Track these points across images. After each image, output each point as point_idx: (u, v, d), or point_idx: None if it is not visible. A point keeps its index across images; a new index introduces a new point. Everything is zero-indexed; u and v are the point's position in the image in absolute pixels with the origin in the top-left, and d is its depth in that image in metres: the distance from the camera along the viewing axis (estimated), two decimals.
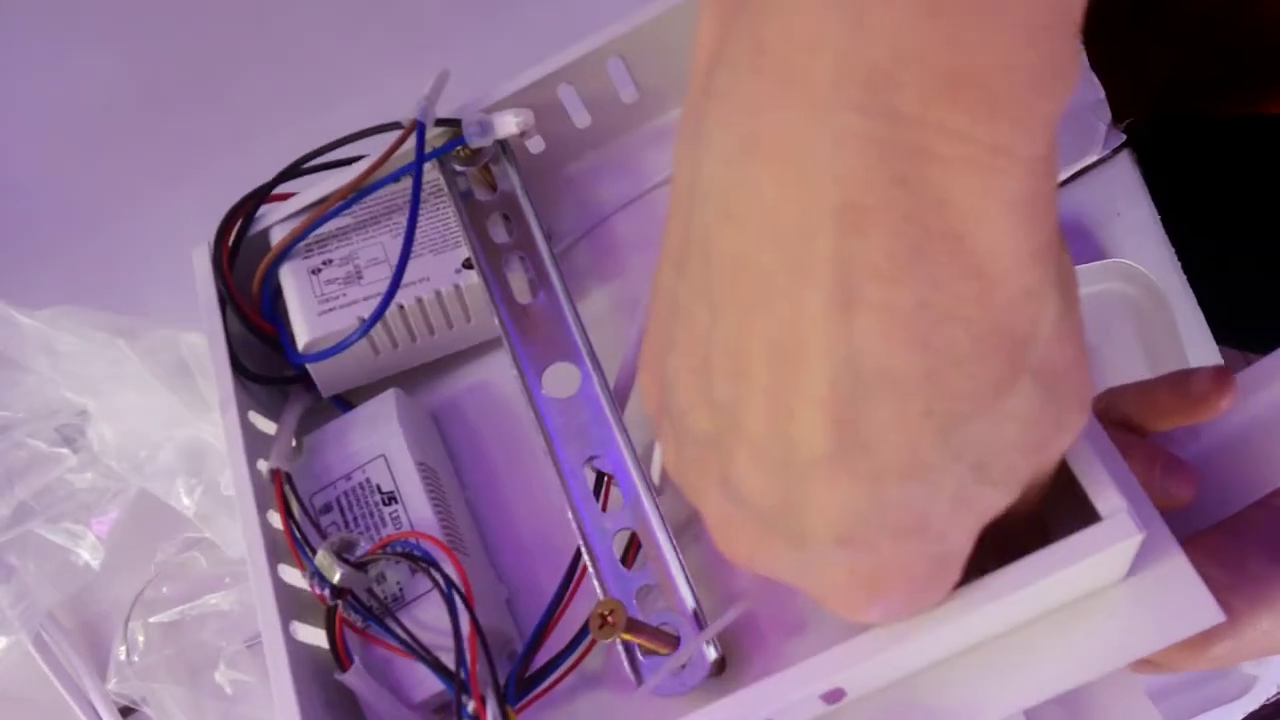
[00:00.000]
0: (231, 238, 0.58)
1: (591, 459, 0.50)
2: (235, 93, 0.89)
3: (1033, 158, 0.27)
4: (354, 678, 0.47)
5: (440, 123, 0.56)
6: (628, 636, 0.44)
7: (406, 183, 0.57)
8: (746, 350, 0.31)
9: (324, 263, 0.56)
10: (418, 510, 0.51)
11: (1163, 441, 0.49)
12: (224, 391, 0.54)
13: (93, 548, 0.78)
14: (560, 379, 0.52)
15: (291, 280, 0.56)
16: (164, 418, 0.70)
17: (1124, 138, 0.75)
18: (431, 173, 0.58)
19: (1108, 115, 0.75)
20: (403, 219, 0.57)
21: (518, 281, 0.54)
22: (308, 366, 0.55)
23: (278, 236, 0.57)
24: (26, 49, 0.95)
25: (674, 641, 0.45)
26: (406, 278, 0.53)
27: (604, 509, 0.49)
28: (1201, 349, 0.79)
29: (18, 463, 0.77)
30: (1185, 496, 0.46)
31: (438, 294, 0.55)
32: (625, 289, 0.58)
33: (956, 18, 0.25)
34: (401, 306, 0.54)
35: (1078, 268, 0.76)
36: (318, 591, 0.47)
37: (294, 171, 0.58)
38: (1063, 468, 0.37)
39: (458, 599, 0.46)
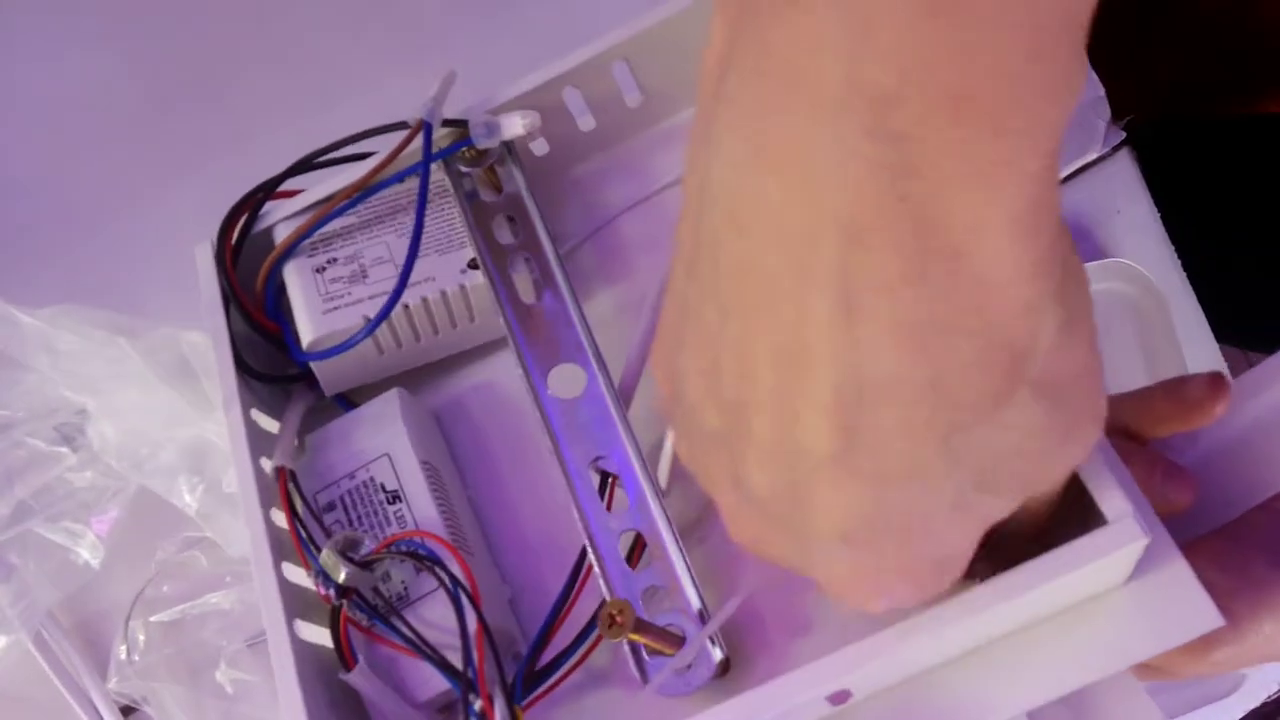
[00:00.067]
0: (235, 235, 0.58)
1: (597, 459, 0.50)
2: (235, 93, 0.89)
3: (1035, 170, 0.28)
4: (359, 677, 0.47)
5: (446, 123, 0.57)
6: (635, 636, 0.44)
7: (410, 183, 0.57)
8: (753, 353, 0.31)
9: (328, 261, 0.56)
10: (422, 509, 0.51)
11: (1161, 448, 0.50)
12: (227, 389, 0.54)
13: (93, 547, 0.78)
14: (566, 379, 0.52)
15: (296, 278, 0.56)
16: (165, 416, 0.70)
17: (1123, 135, 0.75)
18: (436, 173, 0.58)
19: (1107, 113, 0.75)
20: (407, 219, 0.57)
21: (523, 282, 0.55)
22: (311, 365, 0.55)
23: (281, 234, 0.57)
24: (26, 49, 0.95)
25: (680, 641, 0.45)
26: (411, 277, 0.53)
27: (609, 509, 0.49)
28: (1201, 348, 0.79)
29: (17, 461, 0.77)
30: (1185, 502, 0.47)
31: (443, 294, 0.55)
32: (630, 290, 0.58)
33: (961, 32, 0.25)
34: (406, 306, 0.54)
35: None
36: (323, 591, 0.48)
37: (304, 166, 0.58)
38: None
39: (464, 598, 0.47)
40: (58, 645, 0.78)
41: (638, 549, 0.48)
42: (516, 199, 0.57)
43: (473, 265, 0.55)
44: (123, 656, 0.76)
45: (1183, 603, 0.39)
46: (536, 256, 0.55)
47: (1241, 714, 0.82)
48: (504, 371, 0.58)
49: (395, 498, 0.51)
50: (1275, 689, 0.81)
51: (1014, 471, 0.33)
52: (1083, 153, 0.76)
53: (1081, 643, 0.41)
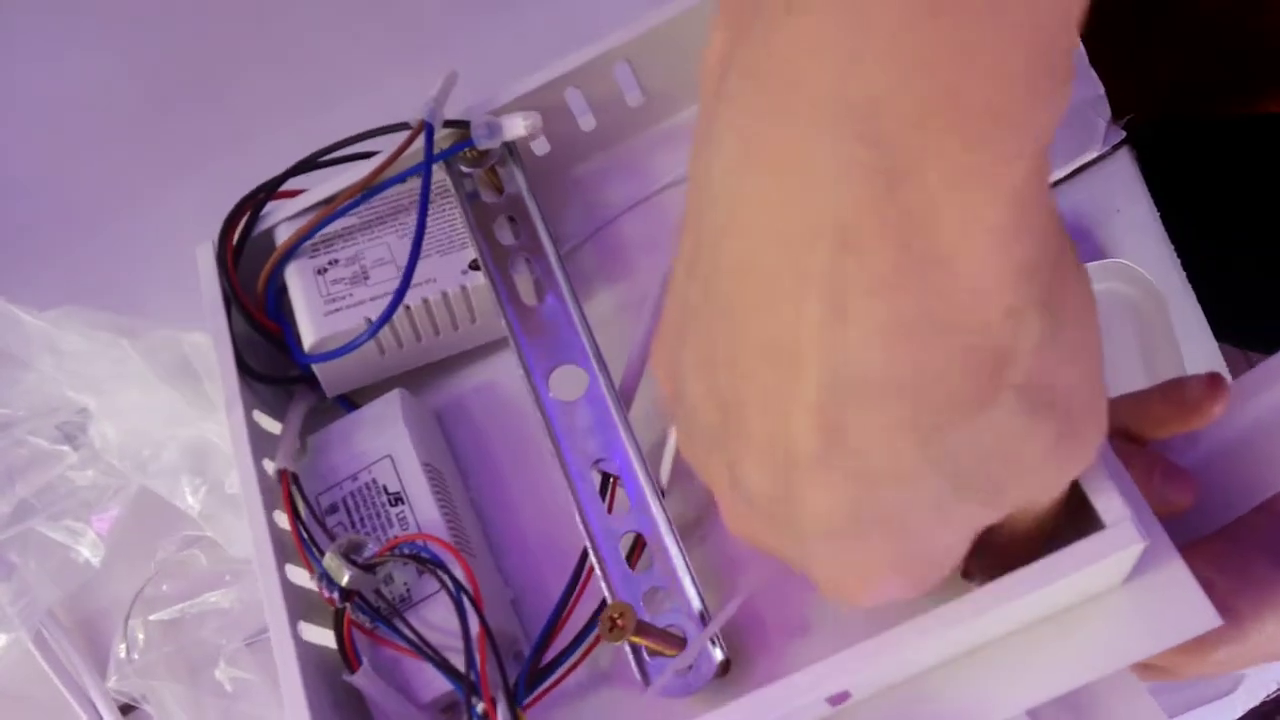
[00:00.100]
0: (236, 236, 0.58)
1: (598, 461, 0.50)
2: (235, 93, 0.89)
3: (1020, 177, 0.28)
4: (363, 678, 0.47)
5: (448, 124, 0.56)
6: (636, 639, 0.44)
7: (411, 183, 0.57)
8: (749, 352, 0.32)
9: (330, 262, 0.56)
10: (424, 511, 0.51)
11: (1161, 449, 0.50)
12: (229, 391, 0.54)
13: (93, 545, 0.78)
14: (567, 381, 0.52)
15: (297, 280, 0.56)
16: (166, 417, 0.70)
17: (1123, 135, 0.75)
18: (437, 174, 0.58)
19: (1107, 112, 0.75)
20: (408, 219, 0.57)
21: (524, 284, 0.55)
22: (313, 367, 0.55)
23: (282, 235, 0.57)
24: (26, 49, 0.95)
25: (681, 643, 0.46)
26: (413, 279, 0.53)
27: (610, 510, 0.49)
28: (1200, 347, 0.79)
29: (18, 460, 0.77)
30: (1184, 503, 0.47)
31: (444, 295, 0.55)
32: (631, 290, 0.58)
33: (951, 42, 0.26)
34: (408, 307, 0.54)
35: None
36: (326, 594, 0.48)
37: (305, 166, 0.58)
38: None
39: (466, 601, 0.47)
40: (57, 643, 0.79)
41: (637, 550, 0.48)
42: (518, 200, 0.57)
43: (474, 266, 0.55)
44: (122, 655, 0.76)
45: (1180, 603, 0.40)
46: (537, 258, 0.55)
47: (1241, 713, 0.82)
48: (505, 372, 0.58)
49: (397, 500, 0.51)
50: (1275, 688, 0.81)
51: (997, 476, 0.33)
52: (1082, 152, 0.76)
53: (1080, 643, 0.41)
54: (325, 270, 0.56)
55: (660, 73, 0.59)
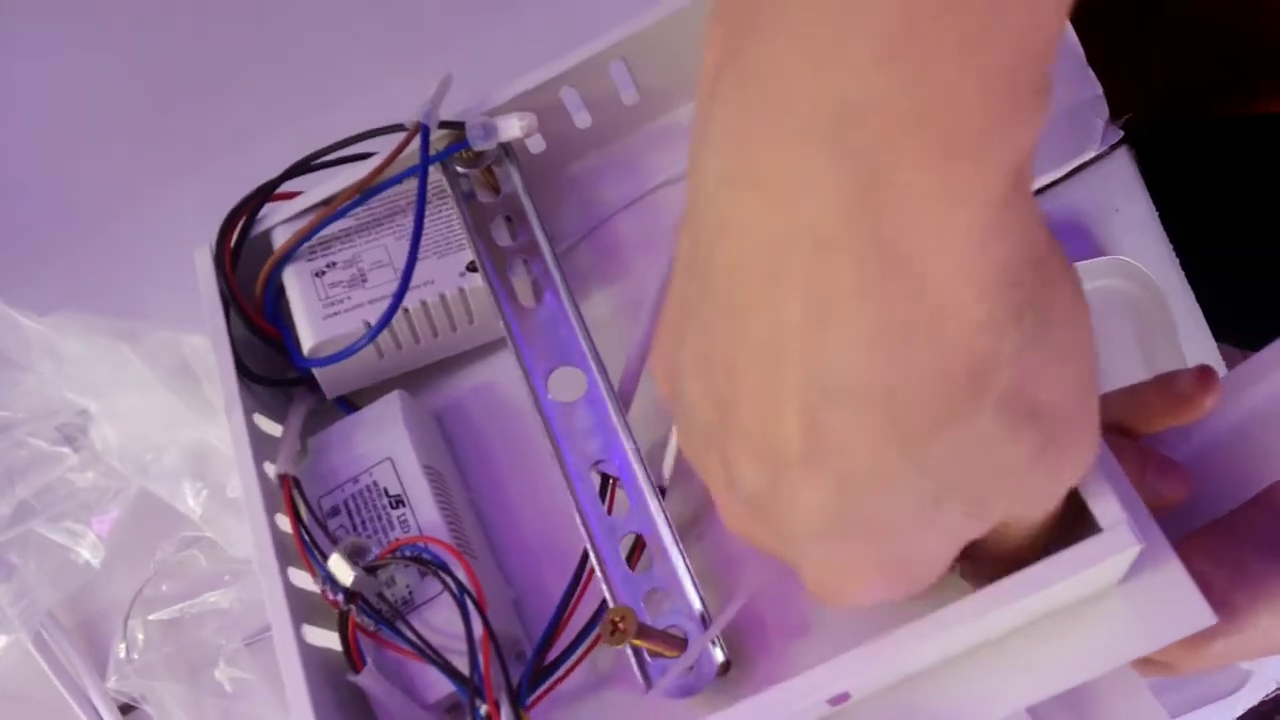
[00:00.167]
0: (233, 238, 0.58)
1: (597, 463, 0.50)
2: (235, 93, 0.89)
3: (995, 190, 0.29)
4: (368, 679, 0.47)
5: (443, 125, 0.56)
6: (638, 642, 0.44)
7: (408, 185, 0.57)
8: (741, 351, 0.32)
9: (328, 265, 0.56)
10: (425, 513, 0.51)
11: (1154, 443, 0.50)
12: (229, 395, 0.54)
13: (93, 546, 0.78)
14: (565, 383, 0.52)
15: (295, 283, 0.56)
16: (166, 420, 0.70)
17: (1121, 134, 0.75)
18: (433, 175, 0.58)
19: (1105, 111, 0.75)
20: (405, 221, 0.57)
21: (521, 285, 0.55)
22: (313, 370, 0.55)
23: (279, 237, 0.57)
24: (26, 49, 0.95)
25: (681, 644, 0.46)
26: (411, 281, 0.53)
27: (610, 512, 0.49)
28: (1199, 346, 0.79)
29: (18, 462, 0.77)
30: (1178, 497, 0.47)
31: (442, 297, 0.55)
32: (627, 290, 0.58)
33: (917, 64, 0.27)
34: (407, 310, 0.54)
35: (1075, 265, 0.76)
36: (330, 597, 0.48)
37: (301, 168, 0.58)
38: None
39: (470, 603, 0.47)
40: (57, 644, 0.79)
41: (637, 551, 0.48)
42: (514, 200, 0.57)
43: (471, 268, 0.55)
44: (122, 655, 0.76)
45: (1177, 602, 0.40)
46: (534, 258, 0.55)
47: (1242, 711, 0.82)
48: (504, 372, 0.58)
49: (398, 502, 0.51)
50: (1274, 687, 0.81)
51: (979, 485, 0.34)
52: (1081, 151, 0.76)
53: (1077, 642, 0.41)
54: (323, 273, 0.56)
55: (655, 71, 0.59)
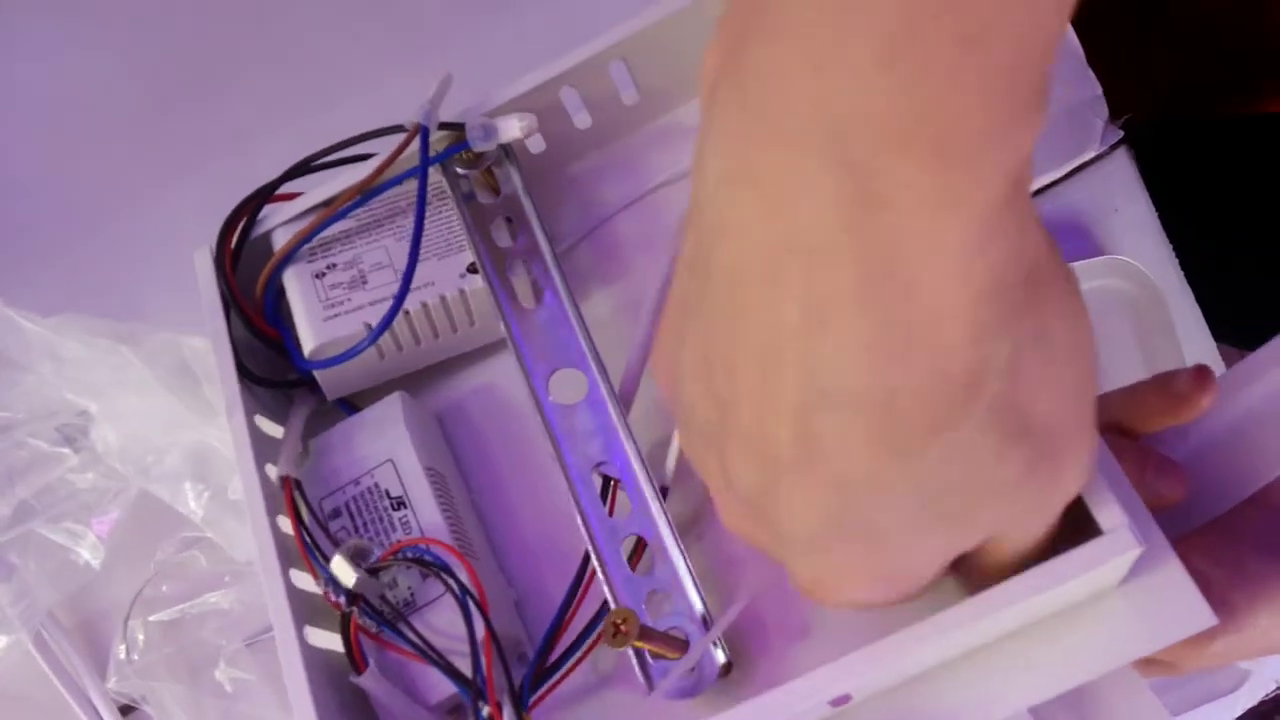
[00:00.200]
0: (234, 240, 0.58)
1: (599, 465, 0.50)
2: (235, 93, 0.89)
3: (984, 204, 0.29)
4: (370, 680, 0.47)
5: (443, 126, 0.56)
6: (640, 644, 0.45)
7: (408, 186, 0.57)
8: (739, 353, 0.33)
9: (328, 267, 0.56)
10: (427, 515, 0.51)
11: (1152, 443, 0.50)
12: (230, 397, 0.54)
13: (93, 547, 0.78)
14: (566, 385, 0.52)
15: (296, 285, 0.56)
16: (166, 422, 0.70)
17: (1121, 134, 0.75)
18: (433, 176, 0.58)
19: (1105, 111, 0.75)
20: (405, 222, 0.57)
21: (521, 286, 0.55)
22: (314, 372, 0.55)
23: (279, 239, 0.57)
24: (26, 49, 0.95)
25: (683, 646, 0.46)
26: (412, 282, 0.53)
27: (611, 514, 0.49)
28: (1199, 346, 0.79)
29: (19, 462, 0.77)
30: (1176, 496, 0.47)
31: (443, 299, 0.55)
32: (627, 290, 0.58)
33: (916, 66, 0.27)
34: (407, 312, 0.54)
35: (1075, 265, 0.76)
36: (333, 598, 0.48)
37: (301, 170, 0.58)
38: None
39: (472, 605, 0.47)
40: (57, 645, 0.79)
41: (638, 552, 0.48)
42: (514, 201, 0.57)
43: (472, 269, 0.55)
44: (122, 656, 0.76)
45: (1177, 602, 0.40)
46: (535, 259, 0.55)
47: (1241, 711, 0.82)
48: (504, 374, 0.58)
49: (400, 504, 0.51)
50: (1274, 687, 0.81)
51: (967, 498, 0.34)
52: (1081, 151, 0.76)
53: (1078, 643, 0.41)
54: (323, 274, 0.56)
55: (655, 71, 0.59)
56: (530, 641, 0.51)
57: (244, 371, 0.55)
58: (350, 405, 0.58)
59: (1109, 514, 0.38)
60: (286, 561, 0.50)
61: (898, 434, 0.31)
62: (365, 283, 0.55)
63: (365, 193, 0.56)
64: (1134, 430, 0.50)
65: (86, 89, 0.92)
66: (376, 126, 0.57)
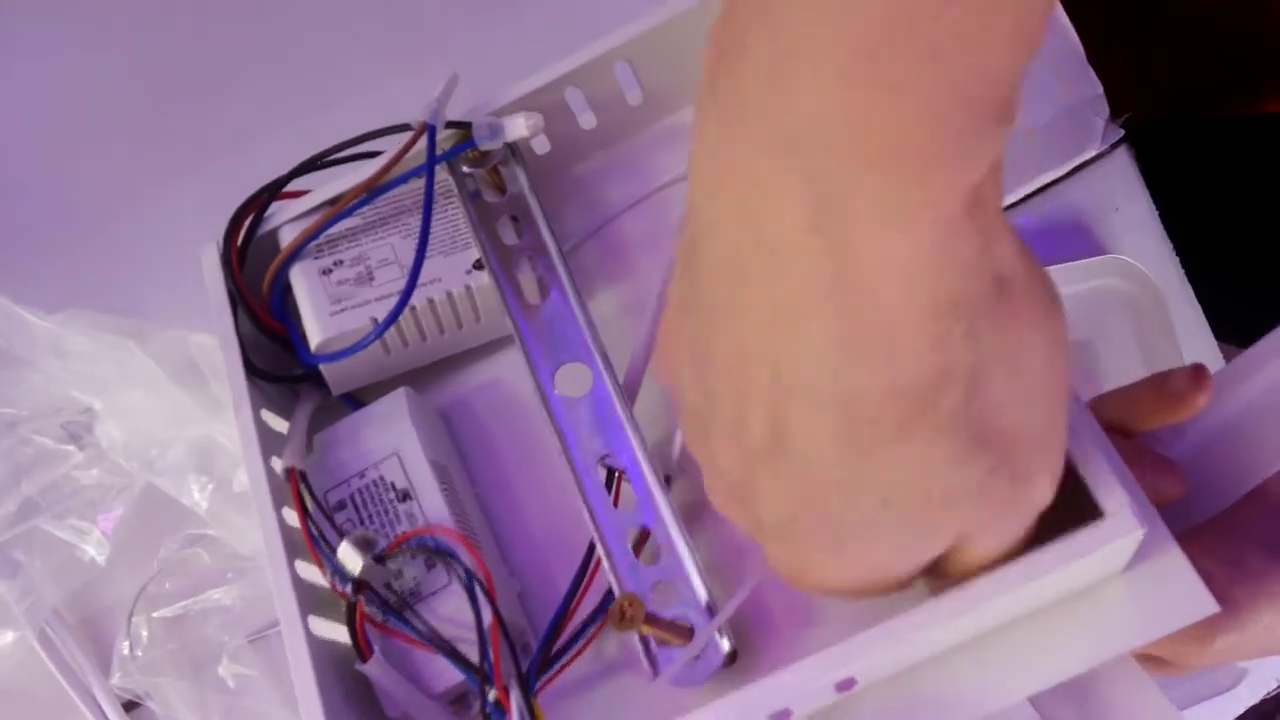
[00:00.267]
0: (240, 236, 0.58)
1: (604, 457, 0.50)
2: (235, 93, 0.89)
3: (939, 219, 0.30)
4: (375, 667, 0.47)
5: (450, 125, 0.57)
6: (645, 629, 0.45)
7: (414, 184, 0.57)
8: (722, 347, 0.34)
9: (335, 263, 0.56)
10: (432, 507, 0.51)
11: (1150, 441, 0.51)
12: (237, 391, 0.54)
13: (98, 544, 0.78)
14: (571, 378, 0.52)
15: (302, 280, 0.56)
16: (172, 417, 0.70)
17: (1122, 133, 0.76)
18: (440, 174, 0.58)
19: (1105, 110, 0.75)
20: (410, 220, 0.57)
21: (527, 283, 0.55)
22: (320, 366, 0.56)
23: (286, 236, 0.58)
24: (26, 49, 0.95)
25: (689, 633, 0.46)
26: (418, 279, 0.54)
27: (616, 505, 0.49)
28: (1199, 345, 0.79)
29: (24, 459, 0.77)
30: (1175, 493, 0.47)
31: (449, 295, 0.55)
32: (632, 288, 0.58)
33: (867, 90, 0.28)
34: (413, 308, 0.55)
35: (1075, 264, 0.77)
36: (339, 589, 0.48)
37: (309, 167, 0.58)
38: (1066, 465, 0.38)
39: (479, 590, 0.47)
40: (62, 641, 0.79)
41: (643, 543, 0.49)
42: (520, 199, 0.57)
43: (478, 266, 0.56)
44: (126, 652, 0.77)
45: (1178, 590, 0.40)
46: (540, 256, 0.56)
47: (1242, 710, 0.82)
48: (509, 369, 0.58)
49: (405, 496, 0.52)
50: (1275, 685, 0.81)
51: (926, 504, 0.34)
52: (1081, 150, 0.76)
53: (1081, 630, 0.42)
54: (330, 271, 0.56)
55: (660, 71, 0.60)
56: (534, 632, 0.51)
57: (250, 367, 0.55)
58: (355, 401, 0.58)
59: (1111, 495, 0.38)
60: (292, 553, 0.50)
61: (860, 433, 0.32)
62: (372, 279, 0.56)
63: (372, 190, 0.56)
64: (1130, 429, 0.51)
65: (86, 89, 0.92)
66: (376, 127, 0.57)
